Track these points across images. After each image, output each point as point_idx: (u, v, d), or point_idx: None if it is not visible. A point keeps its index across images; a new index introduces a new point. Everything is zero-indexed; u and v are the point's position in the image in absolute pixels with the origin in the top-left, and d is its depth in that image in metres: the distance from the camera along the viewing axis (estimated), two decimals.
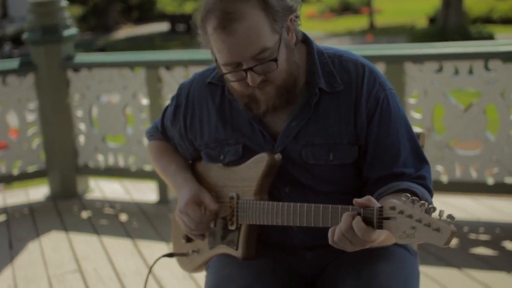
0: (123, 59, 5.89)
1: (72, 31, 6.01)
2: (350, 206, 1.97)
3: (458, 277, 4.02)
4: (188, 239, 2.53)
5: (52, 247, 4.95)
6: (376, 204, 1.93)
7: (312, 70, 2.25)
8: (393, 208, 1.85)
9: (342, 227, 1.93)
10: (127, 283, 4.26)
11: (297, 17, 2.22)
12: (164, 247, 4.77)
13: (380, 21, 31.93)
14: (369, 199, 1.94)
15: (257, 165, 2.25)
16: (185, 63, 5.54)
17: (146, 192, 6.12)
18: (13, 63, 5.98)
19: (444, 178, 4.87)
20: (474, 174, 4.82)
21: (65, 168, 6.03)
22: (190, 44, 29.32)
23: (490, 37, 20.98)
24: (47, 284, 4.33)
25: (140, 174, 5.90)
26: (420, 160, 2.25)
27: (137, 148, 5.83)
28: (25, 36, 6.00)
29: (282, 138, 2.26)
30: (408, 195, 1.83)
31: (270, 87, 2.15)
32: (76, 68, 5.91)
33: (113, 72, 5.81)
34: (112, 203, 5.86)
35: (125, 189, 6.25)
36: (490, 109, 4.74)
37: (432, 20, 27.44)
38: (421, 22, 28.93)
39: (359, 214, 1.92)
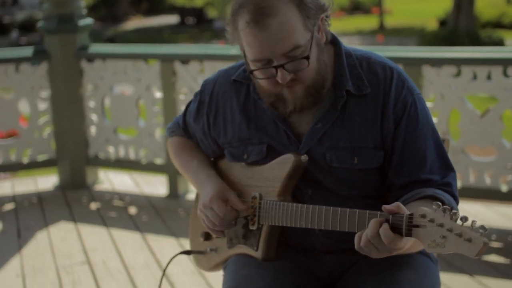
0: (138, 51, 5.87)
1: (87, 21, 5.99)
2: (379, 212, 1.95)
3: (469, 284, 3.99)
4: (207, 237, 2.50)
5: (61, 237, 4.93)
6: (405, 211, 1.90)
7: (340, 72, 2.22)
8: (423, 216, 1.83)
9: (369, 233, 1.90)
10: (136, 276, 4.24)
11: (327, 16, 2.19)
12: (174, 242, 4.75)
13: (390, 21, 31.88)
14: (398, 206, 1.91)
15: (283, 166, 2.22)
16: (200, 58, 5.51)
17: (156, 186, 6.10)
18: (27, 51, 5.97)
19: (458, 184, 4.83)
20: (488, 181, 4.79)
21: (75, 158, 6.01)
22: (199, 38, 29.32)
23: (500, 41, 20.94)
24: (55, 274, 4.31)
25: (151, 168, 5.88)
26: (447, 167, 2.22)
27: (149, 141, 5.80)
28: (40, 24, 5.97)
29: (306, 139, 2.23)
30: (439, 203, 1.81)
31: (299, 87, 2.12)
32: (90, 58, 5.89)
33: (127, 63, 5.79)
34: (121, 196, 5.84)
35: (134, 182, 6.23)
36: (507, 116, 4.71)
37: (442, 23, 27.38)
38: (431, 25, 28.86)
39: (387, 220, 1.89)
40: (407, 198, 2.15)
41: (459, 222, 1.77)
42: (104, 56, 5.86)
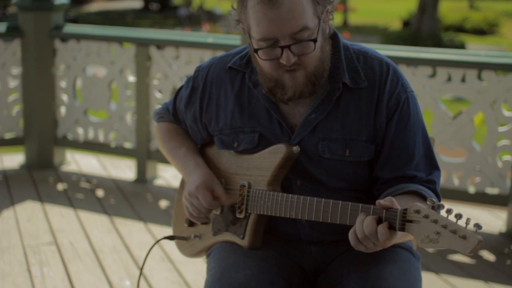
0: (113, 34, 5.82)
1: (63, 0, 5.93)
2: (372, 206, 1.97)
3: (435, 282, 4.05)
4: (191, 224, 2.50)
5: (27, 216, 4.89)
6: (397, 206, 1.93)
7: (337, 64, 2.24)
8: (417, 211, 1.86)
9: (367, 231, 1.93)
10: (104, 259, 4.22)
11: (332, 10, 2.21)
12: (142, 227, 4.74)
13: (354, 19, 32.05)
14: (391, 201, 1.95)
15: (274, 156, 2.23)
16: (177, 44, 5.49)
17: (123, 170, 6.07)
18: (0, 27, 5.88)
19: None
20: (456, 182, 4.86)
21: (43, 138, 5.96)
22: (163, 24, 29.15)
23: (461, 46, 21.21)
24: (22, 254, 4.27)
25: (120, 151, 5.84)
26: (432, 166, 2.26)
27: (119, 124, 5.77)
28: (15, 0, 5.89)
29: (300, 129, 2.24)
30: (434, 200, 1.83)
31: (301, 73, 2.14)
32: (64, 38, 5.84)
33: (101, 45, 5.75)
34: (88, 178, 5.80)
35: (101, 165, 6.19)
36: (478, 119, 4.77)
37: (405, 24, 27.62)
38: (395, 25, 29.09)
39: (380, 218, 1.93)
40: (390, 192, 2.19)
41: (453, 219, 1.80)
42: (79, 37, 5.81)
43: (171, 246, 4.32)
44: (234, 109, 2.34)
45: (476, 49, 21.29)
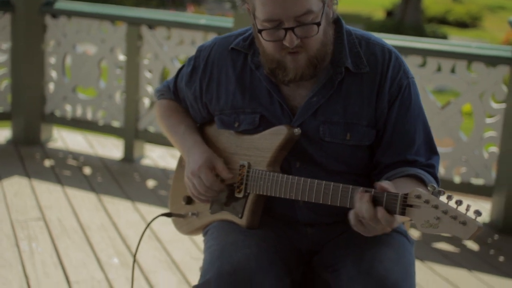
0: (105, 12, 5.80)
1: None
2: (373, 190, 2.00)
3: (420, 269, 4.10)
4: (189, 201, 2.51)
5: (14, 191, 4.89)
6: (395, 191, 1.98)
7: (339, 49, 2.26)
8: (418, 196, 1.89)
9: (366, 215, 1.97)
10: (92, 236, 4.24)
11: None
12: (130, 205, 4.76)
13: (337, 7, 32.02)
14: (390, 185, 1.99)
15: (275, 137, 2.25)
16: (168, 24, 5.50)
17: (110, 148, 6.07)
18: None
19: None
20: (442, 171, 4.91)
21: (30, 113, 5.95)
22: (146, 4, 28.96)
23: (444, 37, 21.27)
24: (10, 228, 4.27)
25: (108, 130, 5.85)
26: (432, 151, 2.30)
27: (108, 103, 5.77)
28: None
29: (301, 112, 2.26)
30: (435, 185, 1.87)
31: (303, 55, 2.15)
32: (55, 14, 5.82)
33: (93, 23, 5.74)
34: (75, 155, 5.80)
35: (88, 143, 6.19)
36: (466, 110, 4.83)
37: (389, 14, 27.65)
38: (378, 14, 29.11)
39: (379, 201, 1.97)
40: (389, 176, 2.23)
41: (453, 205, 1.84)
42: (70, 14, 5.79)
43: (159, 225, 4.34)
44: (236, 90, 2.36)
45: (458, 41, 21.39)
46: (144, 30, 5.53)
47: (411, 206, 1.91)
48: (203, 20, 5.43)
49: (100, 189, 5.05)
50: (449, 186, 4.90)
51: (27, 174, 5.25)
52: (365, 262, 2.13)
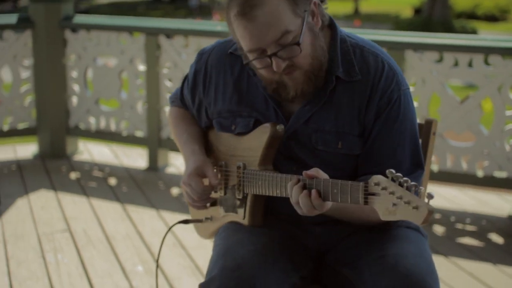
0: (123, 23, 5.87)
1: None
2: (361, 183, 1.93)
3: (444, 264, 4.09)
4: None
5: (41, 205, 4.96)
6: (323, 176, 2.02)
7: (332, 57, 2.25)
8: (377, 184, 1.85)
9: (294, 199, 2.06)
10: (117, 246, 4.29)
11: (322, 1, 2.23)
12: (154, 214, 4.80)
13: (365, 7, 31.99)
14: (317, 171, 2.03)
15: (261, 135, 2.28)
16: (186, 33, 5.54)
17: (135, 158, 6.14)
18: (11, 18, 5.95)
19: (435, 168, 4.94)
20: (464, 166, 4.90)
21: (55, 127, 6.03)
22: (173, 15, 29.19)
23: (473, 32, 21.14)
24: (37, 241, 4.34)
25: (132, 140, 5.91)
26: (416, 165, 2.27)
27: (130, 113, 5.83)
28: None
29: (294, 120, 2.28)
30: (393, 171, 1.82)
31: (298, 72, 2.16)
32: (75, 28, 5.90)
33: (111, 35, 5.81)
34: (101, 166, 5.87)
35: (113, 154, 6.26)
36: (486, 103, 4.81)
37: (417, 11, 27.55)
38: (406, 12, 29.02)
39: (304, 184, 2.04)
40: (359, 180, 2.22)
41: (408, 190, 1.79)
42: (89, 27, 5.87)
43: (183, 232, 4.38)
44: (233, 94, 2.38)
45: (489, 36, 21.23)
46: (162, 39, 5.59)
47: (373, 194, 1.87)
48: (219, 27, 5.47)
49: (125, 199, 5.11)
50: (472, 180, 4.88)
51: (54, 187, 5.32)
52: (389, 258, 2.12)
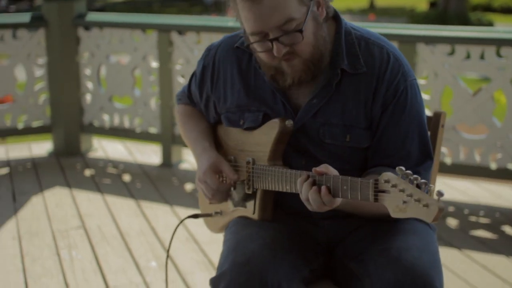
0: (135, 21, 5.91)
1: None
2: (371, 180, 1.92)
3: (458, 257, 4.09)
4: None
5: (56, 202, 4.99)
6: (333, 172, 2.02)
7: (337, 50, 2.26)
8: (387, 181, 1.86)
9: (304, 196, 2.06)
10: (131, 242, 4.31)
11: None
12: (168, 210, 4.82)
13: (381, 1, 31.89)
14: (326, 167, 2.03)
15: (270, 131, 2.29)
16: (198, 29, 5.56)
17: (149, 155, 6.16)
18: (25, 17, 5.99)
19: (448, 160, 4.93)
20: (478, 158, 4.88)
21: (69, 125, 6.07)
22: (189, 12, 29.20)
23: (489, 25, 21.00)
24: (51, 238, 4.37)
25: (145, 136, 5.94)
26: (425, 155, 2.28)
27: (144, 110, 5.86)
28: None
29: (302, 114, 2.29)
30: (403, 168, 1.83)
31: (297, 60, 2.17)
32: (87, 26, 5.93)
33: (124, 32, 5.83)
34: (115, 163, 5.90)
35: (128, 150, 6.30)
36: (498, 95, 4.79)
37: (432, 4, 27.42)
38: (422, 6, 28.90)
39: (314, 180, 2.05)
40: (368, 173, 2.25)
41: (419, 187, 1.80)
42: (101, 25, 5.90)
43: (195, 227, 4.40)
44: (241, 88, 2.39)
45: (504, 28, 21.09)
46: (174, 36, 5.61)
47: (383, 191, 1.87)
48: (230, 22, 5.47)
49: (139, 195, 5.13)
50: (486, 173, 4.87)
51: (68, 185, 5.36)
52: (393, 251, 2.13)
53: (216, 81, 2.46)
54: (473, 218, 4.67)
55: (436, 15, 21.82)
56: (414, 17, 22.76)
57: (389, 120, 2.24)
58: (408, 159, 2.23)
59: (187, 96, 2.64)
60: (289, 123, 2.26)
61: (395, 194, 1.83)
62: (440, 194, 1.75)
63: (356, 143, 2.26)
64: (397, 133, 2.24)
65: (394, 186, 1.83)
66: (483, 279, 3.85)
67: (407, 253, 2.11)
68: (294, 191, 2.17)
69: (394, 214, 1.84)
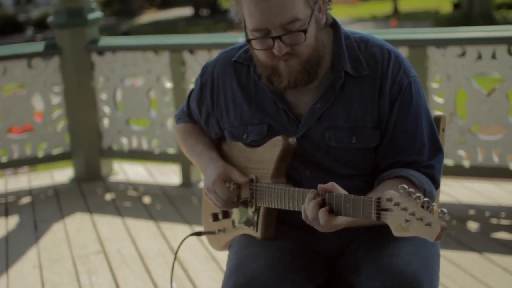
0: (147, 43, 5.95)
1: (97, 14, 6.07)
2: (374, 198, 1.91)
3: (478, 261, 4.03)
4: (215, 218, 2.54)
5: (76, 228, 5.02)
6: (339, 190, 2.00)
7: (338, 53, 2.28)
8: (390, 199, 1.85)
9: (310, 215, 2.03)
10: (150, 264, 4.31)
11: (330, 1, 2.26)
12: (187, 229, 4.82)
13: (404, 6, 31.79)
14: (332, 185, 2.01)
15: (273, 148, 2.28)
16: (209, 47, 5.57)
17: (169, 175, 6.18)
18: (39, 46, 6.06)
19: (466, 163, 4.88)
20: (496, 159, 4.82)
21: (89, 150, 6.10)
22: (213, 29, 29.36)
23: None
24: (72, 264, 4.39)
25: (164, 157, 5.96)
26: (435, 149, 2.29)
27: (161, 131, 5.88)
28: (50, 19, 6.05)
29: (306, 119, 2.28)
30: (405, 186, 1.82)
31: (295, 61, 2.18)
32: (101, 51, 5.97)
33: (137, 55, 5.87)
34: (135, 186, 5.93)
35: (148, 172, 6.32)
36: None
37: (456, 6, 27.26)
38: (446, 8, 28.75)
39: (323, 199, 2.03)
40: (382, 176, 2.24)
41: (422, 206, 1.78)
42: (114, 49, 5.94)
43: None
44: (242, 102, 2.39)
45: None
46: (186, 55, 5.62)
47: (386, 210, 1.86)
48: (241, 38, 5.48)
49: (158, 216, 5.14)
50: (505, 174, 4.81)
51: (89, 210, 5.39)
52: (384, 258, 2.13)
53: (217, 97, 2.46)
54: (494, 221, 4.61)
55: (461, 16, 21.70)
56: (438, 20, 22.66)
57: (398, 115, 2.25)
58: (421, 153, 2.25)
59: (187, 114, 2.65)
60: (292, 140, 2.26)
61: (398, 213, 1.82)
62: (442, 212, 1.74)
63: (363, 144, 2.26)
64: (407, 129, 2.25)
65: (396, 204, 1.83)
66: (504, 282, 3.79)
67: (397, 259, 2.11)
68: (297, 209, 2.17)
69: (396, 233, 1.83)
